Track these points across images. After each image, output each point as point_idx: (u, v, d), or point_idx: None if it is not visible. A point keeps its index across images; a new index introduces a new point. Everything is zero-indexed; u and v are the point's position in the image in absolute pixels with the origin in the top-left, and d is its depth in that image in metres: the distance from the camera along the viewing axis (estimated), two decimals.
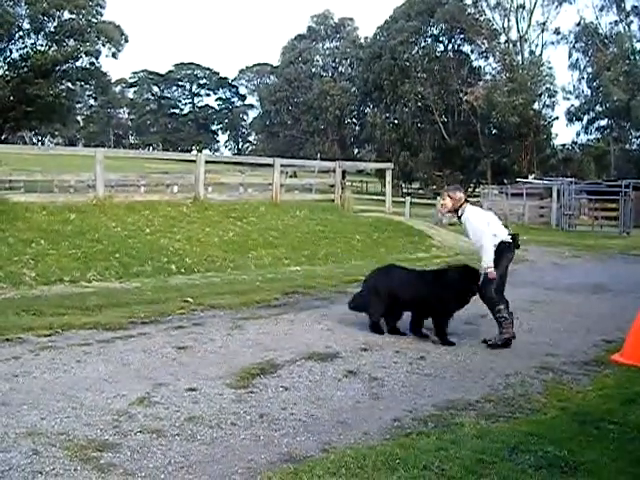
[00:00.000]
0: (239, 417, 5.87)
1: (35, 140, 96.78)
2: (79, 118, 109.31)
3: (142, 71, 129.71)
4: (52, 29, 51.95)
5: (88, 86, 61.79)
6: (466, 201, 9.20)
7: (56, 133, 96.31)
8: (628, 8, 61.81)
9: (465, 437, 5.48)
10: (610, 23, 63.59)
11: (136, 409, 5.93)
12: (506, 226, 10.05)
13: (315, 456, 5.10)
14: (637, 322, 8.17)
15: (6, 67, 50.60)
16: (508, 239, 9.04)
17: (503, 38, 68.40)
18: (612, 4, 62.33)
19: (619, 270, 18.81)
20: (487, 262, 8.73)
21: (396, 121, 72.92)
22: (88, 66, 54.66)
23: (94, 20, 51.89)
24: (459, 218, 9.21)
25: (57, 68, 52.41)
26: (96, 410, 5.85)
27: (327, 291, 12.72)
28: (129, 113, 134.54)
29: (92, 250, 13.84)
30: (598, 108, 63.41)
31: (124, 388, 6.46)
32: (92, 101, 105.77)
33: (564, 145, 71.56)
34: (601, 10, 63.36)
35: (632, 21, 62.29)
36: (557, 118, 68.32)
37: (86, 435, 5.30)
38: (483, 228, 8.85)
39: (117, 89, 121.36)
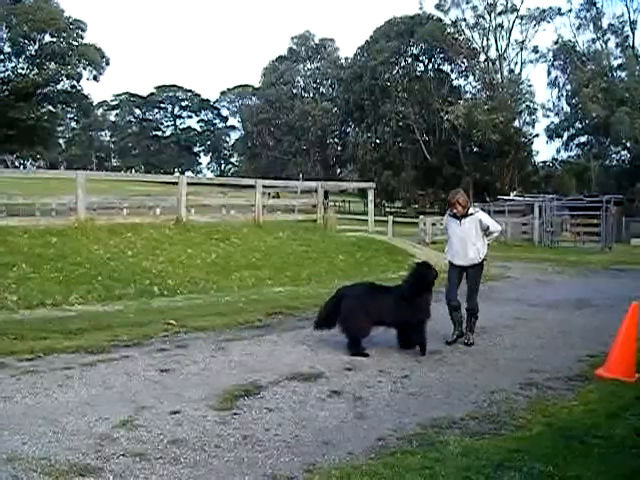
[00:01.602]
0: (223, 439, 5.82)
1: (17, 163, 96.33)
2: (61, 141, 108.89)
3: (124, 93, 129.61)
4: (33, 52, 52.05)
5: (70, 109, 61.80)
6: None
7: (38, 156, 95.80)
8: (605, 26, 62.52)
9: (450, 455, 5.47)
10: (588, 41, 64.32)
11: (119, 432, 5.87)
12: None
13: (299, 477, 5.08)
14: (620, 336, 8.20)
15: None
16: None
17: (482, 57, 69.10)
18: (589, 22, 62.97)
19: (602, 285, 18.88)
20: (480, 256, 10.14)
21: (378, 141, 73.29)
22: (69, 89, 54.72)
23: (75, 43, 52.00)
24: (464, 217, 10.09)
25: (38, 91, 52.43)
26: (78, 434, 5.79)
27: (311, 311, 12.62)
28: (111, 136, 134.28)
29: (74, 273, 13.76)
30: (578, 125, 63.88)
31: (106, 411, 6.40)
32: (74, 124, 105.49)
33: (545, 162, 72.18)
34: (578, 28, 64.03)
35: (609, 39, 63.01)
36: (537, 135, 68.76)
37: (68, 459, 5.24)
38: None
39: (99, 112, 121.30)
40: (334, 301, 9.54)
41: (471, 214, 10.13)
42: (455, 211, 10.17)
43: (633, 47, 61.48)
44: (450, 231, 10.39)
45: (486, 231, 10.19)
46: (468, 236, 10.09)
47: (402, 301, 9.27)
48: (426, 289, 9.45)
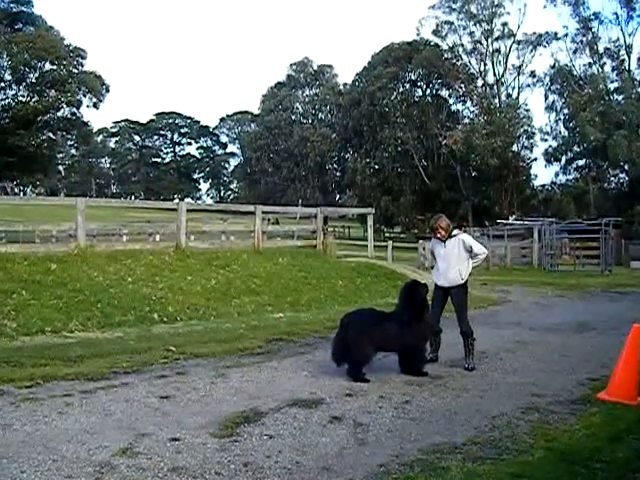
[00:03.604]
0: (223, 466, 5.78)
1: (17, 190, 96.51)
2: (61, 168, 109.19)
3: (123, 120, 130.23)
4: (33, 80, 52.34)
5: (69, 136, 62.03)
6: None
7: (38, 183, 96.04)
8: (601, 50, 62.76)
9: None
10: (584, 65, 64.47)
11: (118, 460, 5.82)
12: None
13: None
14: (622, 359, 8.18)
15: None
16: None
17: (480, 82, 69.31)
18: (585, 47, 63.24)
19: (602, 308, 18.88)
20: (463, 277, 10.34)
21: (376, 166, 73.45)
22: (69, 116, 54.98)
23: (75, 70, 52.31)
24: (449, 238, 10.37)
25: (38, 118, 52.66)
26: (77, 462, 5.75)
27: (311, 337, 12.66)
28: (111, 162, 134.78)
29: (74, 300, 13.73)
30: (576, 148, 63.95)
31: (106, 439, 6.36)
32: (74, 151, 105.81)
33: (544, 186, 72.08)
34: (575, 53, 64.26)
35: (605, 63, 63.22)
36: (536, 159, 68.86)
37: None
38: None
39: (99, 139, 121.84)
40: (342, 332, 9.47)
41: (454, 235, 10.42)
42: (439, 235, 10.45)
43: (629, 71, 61.75)
44: (436, 253, 10.75)
45: (471, 253, 10.38)
46: (451, 257, 10.34)
47: (403, 326, 9.31)
48: (421, 308, 9.59)
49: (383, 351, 9.52)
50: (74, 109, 54.36)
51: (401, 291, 10.06)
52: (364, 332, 9.19)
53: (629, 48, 61.56)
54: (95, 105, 54.45)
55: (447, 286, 10.39)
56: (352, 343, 9.16)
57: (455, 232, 10.49)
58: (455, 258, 10.30)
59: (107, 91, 55.23)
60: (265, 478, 5.55)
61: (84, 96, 53.62)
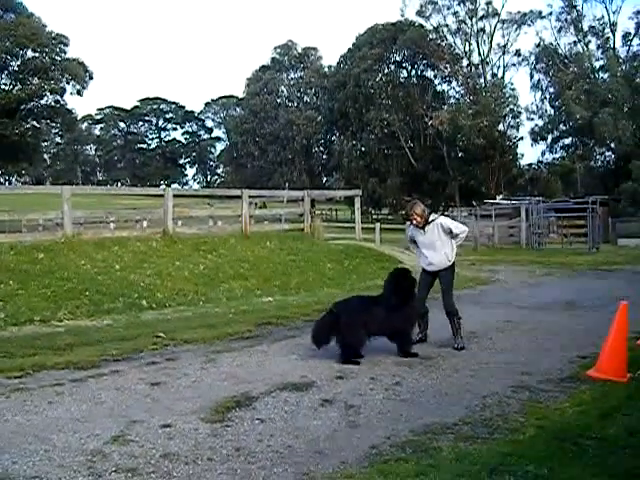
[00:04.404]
0: (215, 452, 5.78)
1: (1, 180, 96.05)
2: (46, 156, 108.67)
3: (108, 107, 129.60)
4: (16, 68, 51.98)
5: (54, 124, 61.66)
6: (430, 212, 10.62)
7: (23, 172, 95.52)
8: (586, 28, 62.98)
9: (444, 461, 5.45)
10: (569, 43, 64.74)
11: (110, 448, 5.81)
12: None
13: None
14: (610, 337, 8.21)
15: None
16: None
17: (465, 62, 69.40)
18: (570, 25, 63.39)
19: (590, 286, 18.94)
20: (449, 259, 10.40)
21: (363, 148, 73.43)
22: (53, 104, 54.65)
23: (58, 58, 51.94)
24: (427, 224, 10.35)
25: (22, 107, 52.33)
26: (69, 451, 5.74)
27: (300, 321, 12.65)
28: (96, 150, 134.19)
29: (62, 289, 13.69)
30: (562, 127, 64.20)
31: (97, 427, 6.35)
32: (58, 139, 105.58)
33: (530, 165, 72.30)
34: (559, 31, 64.45)
35: (590, 41, 63.47)
36: (522, 138, 69.00)
37: (59, 477, 5.18)
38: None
39: (83, 126, 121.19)
40: (330, 317, 9.52)
41: (432, 221, 10.38)
42: (414, 222, 10.42)
43: (614, 49, 62.00)
44: (417, 240, 10.58)
45: (452, 234, 10.36)
46: (433, 242, 10.34)
47: (391, 311, 9.39)
48: (408, 294, 9.72)
49: (374, 335, 9.51)
50: (58, 97, 54.01)
51: (389, 278, 10.07)
52: (356, 317, 9.26)
53: (614, 26, 61.86)
54: (79, 92, 54.11)
55: (436, 270, 10.42)
56: (348, 331, 9.21)
57: (432, 217, 10.46)
58: (438, 243, 10.30)
59: (91, 78, 54.90)
60: (257, 462, 5.55)
61: (67, 83, 53.28)
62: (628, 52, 61.30)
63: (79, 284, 14.10)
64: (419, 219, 10.33)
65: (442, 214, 11.20)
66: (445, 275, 10.44)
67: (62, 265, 15.14)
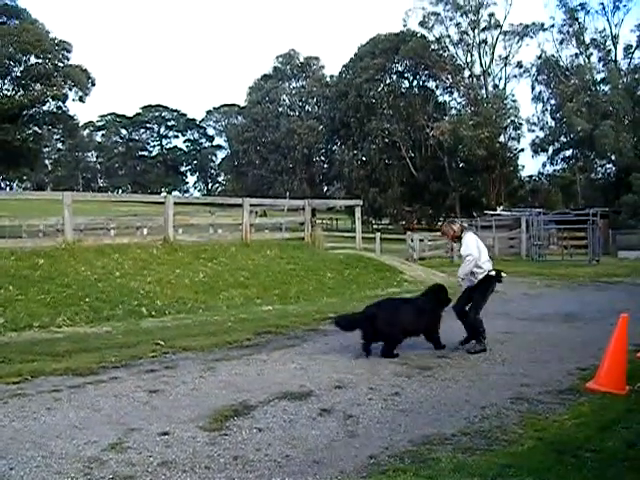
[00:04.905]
0: (213, 460, 5.77)
1: (3, 185, 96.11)
2: (47, 162, 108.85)
3: (110, 114, 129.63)
4: (18, 74, 52.07)
5: (56, 130, 61.79)
6: (465, 229, 11.38)
7: (24, 178, 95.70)
8: (587, 41, 63.06)
9: (442, 472, 5.44)
10: (571, 56, 64.83)
11: (108, 455, 5.81)
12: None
13: None
14: (610, 349, 8.19)
15: None
16: (493, 272, 11.00)
17: (467, 73, 69.54)
18: (572, 37, 63.48)
19: (590, 298, 18.93)
20: (459, 275, 11.12)
21: (364, 158, 73.51)
22: (55, 110, 54.77)
23: (60, 64, 52.07)
24: (459, 240, 11.10)
25: (24, 112, 52.42)
26: (67, 458, 5.73)
27: (299, 330, 12.65)
28: (97, 156, 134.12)
29: (61, 295, 13.69)
30: (563, 139, 64.18)
31: (95, 434, 6.34)
32: (60, 145, 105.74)
33: (531, 176, 72.42)
34: (561, 43, 64.55)
35: (592, 53, 63.52)
36: (523, 150, 69.08)
37: None
38: (471, 249, 10.75)
39: (85, 132, 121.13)
40: (362, 316, 10.38)
41: (462, 237, 11.03)
42: (446, 239, 11.93)
43: (615, 61, 62.02)
44: None
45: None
46: (463, 257, 11.04)
47: (423, 313, 10.48)
48: (439, 305, 10.71)
49: (409, 334, 10.42)
50: (60, 103, 54.14)
51: (430, 288, 11.26)
52: (396, 318, 10.24)
53: (615, 38, 61.89)
54: (81, 99, 54.27)
55: (463, 284, 11.14)
56: (387, 329, 10.13)
57: (464, 234, 11.06)
58: (461, 251, 11.06)
59: (93, 85, 55.04)
60: (255, 471, 5.54)
61: (70, 90, 53.40)
62: (629, 65, 61.45)
63: (79, 290, 14.09)
64: (446, 237, 11.73)
65: (469, 224, 11.65)
66: (474, 291, 10.92)
67: (62, 271, 15.13)
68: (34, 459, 5.68)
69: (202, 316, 14.10)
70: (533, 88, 67.04)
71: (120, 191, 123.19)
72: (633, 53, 61.28)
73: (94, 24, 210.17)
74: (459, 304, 10.95)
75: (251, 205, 23.75)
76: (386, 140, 70.52)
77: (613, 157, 58.83)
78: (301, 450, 6.06)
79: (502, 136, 66.56)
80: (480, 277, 10.79)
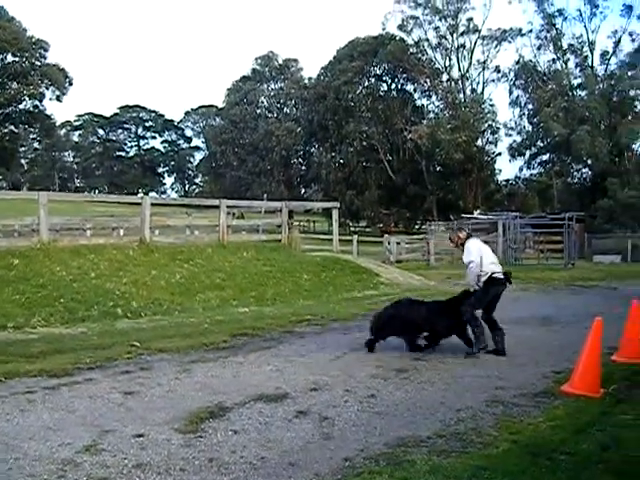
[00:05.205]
0: (188, 462, 5.74)
1: None
2: (23, 162, 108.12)
3: (87, 114, 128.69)
4: None
5: (32, 129, 61.48)
6: (470, 236, 11.47)
7: (0, 177, 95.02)
8: (565, 46, 63.45)
9: (417, 474, 5.44)
10: (548, 61, 65.22)
11: (82, 457, 5.77)
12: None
13: None
14: (585, 352, 8.24)
15: None
16: (499, 275, 11.01)
17: (445, 77, 69.79)
18: (549, 43, 63.87)
19: (566, 302, 19.03)
20: (469, 282, 11.25)
21: (342, 160, 73.57)
22: (32, 109, 54.49)
23: (38, 63, 51.82)
24: (462, 246, 11.26)
25: (0, 111, 52.00)
26: (40, 460, 5.69)
27: (276, 332, 12.64)
28: (74, 156, 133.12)
29: (36, 295, 13.60)
30: (539, 143, 64.54)
31: (69, 436, 6.30)
32: (36, 144, 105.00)
33: (508, 180, 72.79)
34: (539, 49, 64.91)
35: (569, 59, 63.96)
36: (500, 154, 69.45)
37: None
38: (473, 255, 10.90)
39: (62, 132, 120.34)
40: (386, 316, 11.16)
41: (465, 244, 11.22)
42: (452, 246, 12.11)
43: (592, 67, 62.46)
44: None
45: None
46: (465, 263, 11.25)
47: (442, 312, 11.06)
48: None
49: (426, 331, 11.03)
50: (37, 102, 53.94)
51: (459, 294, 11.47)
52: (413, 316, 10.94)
53: (592, 44, 62.36)
54: (58, 98, 54.07)
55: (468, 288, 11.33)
56: (405, 326, 10.88)
57: (467, 241, 11.20)
58: (463, 258, 11.22)
59: (70, 84, 54.85)
60: (230, 474, 5.52)
61: (47, 89, 53.21)
62: (606, 71, 61.83)
63: (54, 291, 14.01)
64: (452, 244, 12.12)
65: (470, 236, 11.66)
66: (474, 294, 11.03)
67: (37, 271, 15.03)
68: (6, 461, 5.63)
69: (178, 318, 14.05)
70: (511, 93, 67.47)
71: (97, 191, 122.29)
72: (609, 59, 61.80)
73: (72, 23, 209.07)
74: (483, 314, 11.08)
75: (228, 207, 23.70)
76: (364, 143, 70.67)
77: (589, 162, 59.27)
78: (276, 452, 6.05)
79: (479, 140, 66.92)
80: (483, 279, 10.84)
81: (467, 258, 11.01)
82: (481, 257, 10.87)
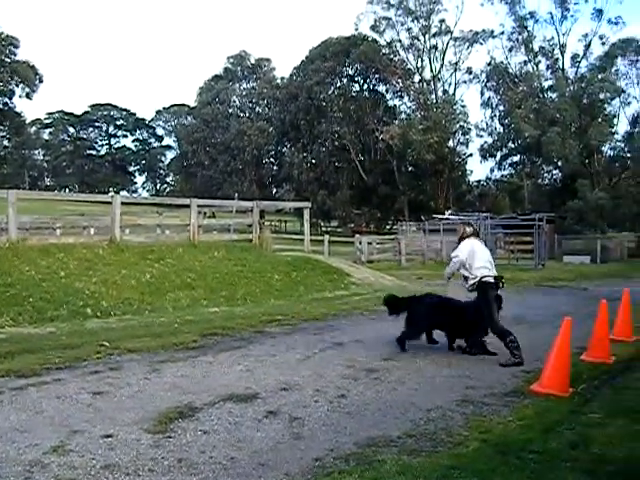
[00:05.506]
0: (157, 463, 5.71)
1: None
2: None
3: (57, 112, 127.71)
4: None
5: (1, 127, 60.81)
6: (472, 235, 11.41)
7: None
8: (536, 49, 63.92)
9: (387, 474, 5.45)
10: (519, 63, 65.66)
11: (50, 458, 5.71)
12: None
13: None
14: (554, 352, 8.29)
15: None
16: (489, 279, 10.94)
17: (417, 78, 70.06)
18: (521, 45, 64.32)
19: (535, 302, 19.16)
20: (445, 273, 11.96)
21: (313, 160, 73.62)
22: (1, 106, 53.91)
23: (7, 59, 51.34)
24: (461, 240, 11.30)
25: None
26: (7, 461, 5.62)
27: (246, 331, 12.60)
28: (44, 154, 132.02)
29: (4, 295, 13.46)
30: (511, 145, 64.96)
31: (37, 437, 6.24)
32: (6, 142, 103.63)
33: (479, 181, 73.28)
34: (510, 51, 65.33)
35: (540, 61, 64.39)
36: (471, 155, 69.87)
37: None
38: (461, 252, 11.03)
39: (32, 130, 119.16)
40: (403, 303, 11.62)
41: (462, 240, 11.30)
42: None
43: (563, 69, 62.98)
44: None
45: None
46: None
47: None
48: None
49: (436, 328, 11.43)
50: (6, 99, 53.41)
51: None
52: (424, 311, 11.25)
53: (563, 47, 62.94)
54: (28, 95, 53.65)
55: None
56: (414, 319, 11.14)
57: (466, 239, 11.25)
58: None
59: (41, 81, 54.44)
60: (199, 474, 5.50)
61: (17, 86, 52.76)
62: (576, 73, 62.31)
63: (22, 290, 13.87)
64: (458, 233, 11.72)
65: (472, 235, 11.58)
66: (479, 307, 10.98)
67: (5, 271, 14.87)
68: None
69: (148, 317, 13.97)
70: (482, 94, 67.81)
71: (67, 190, 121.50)
72: (580, 62, 62.31)
73: (43, 20, 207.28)
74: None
75: (199, 206, 23.63)
76: (336, 143, 70.72)
77: (560, 163, 59.73)
78: (246, 452, 6.03)
79: (451, 141, 67.27)
80: (471, 282, 10.84)
81: (454, 252, 11.25)
82: (467, 259, 10.85)
